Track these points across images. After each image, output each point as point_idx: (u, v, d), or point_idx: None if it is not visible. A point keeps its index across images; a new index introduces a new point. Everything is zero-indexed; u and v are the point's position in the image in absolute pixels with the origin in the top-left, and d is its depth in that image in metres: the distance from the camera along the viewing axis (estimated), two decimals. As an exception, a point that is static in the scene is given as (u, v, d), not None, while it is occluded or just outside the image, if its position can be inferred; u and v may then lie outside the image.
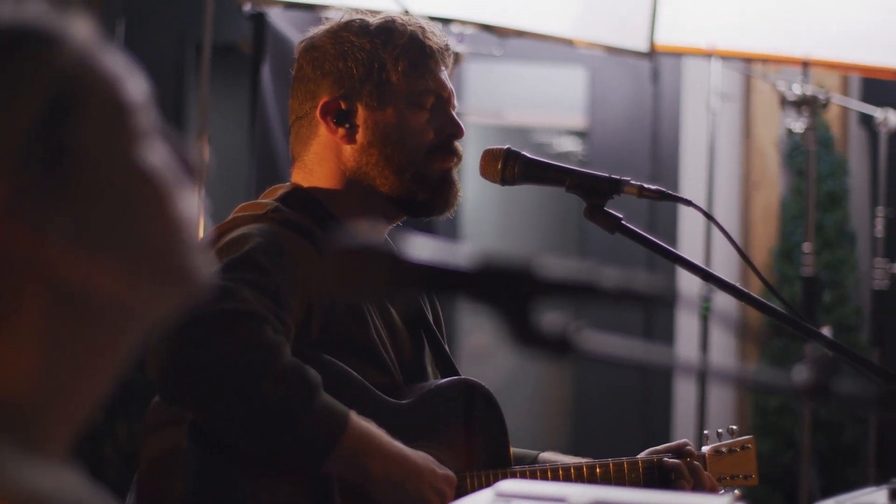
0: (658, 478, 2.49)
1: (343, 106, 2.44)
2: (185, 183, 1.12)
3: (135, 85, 1.11)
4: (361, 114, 2.43)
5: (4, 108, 1.03)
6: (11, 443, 1.02)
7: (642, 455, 2.53)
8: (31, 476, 0.99)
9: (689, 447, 2.56)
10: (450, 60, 2.51)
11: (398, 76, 2.43)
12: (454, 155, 2.46)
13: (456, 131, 2.47)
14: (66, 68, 1.06)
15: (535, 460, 2.56)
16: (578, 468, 2.44)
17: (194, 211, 1.13)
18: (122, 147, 1.08)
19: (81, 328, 1.06)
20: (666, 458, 2.51)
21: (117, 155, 1.07)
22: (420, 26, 2.48)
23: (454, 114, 2.48)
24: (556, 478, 2.42)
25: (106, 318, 1.07)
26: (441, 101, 2.47)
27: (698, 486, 2.51)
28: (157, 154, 1.10)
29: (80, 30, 1.09)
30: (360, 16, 2.48)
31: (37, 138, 1.03)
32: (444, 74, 2.49)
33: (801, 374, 1.09)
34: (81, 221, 1.04)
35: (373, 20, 2.47)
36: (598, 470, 2.44)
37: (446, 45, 2.51)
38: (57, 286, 1.04)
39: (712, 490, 2.53)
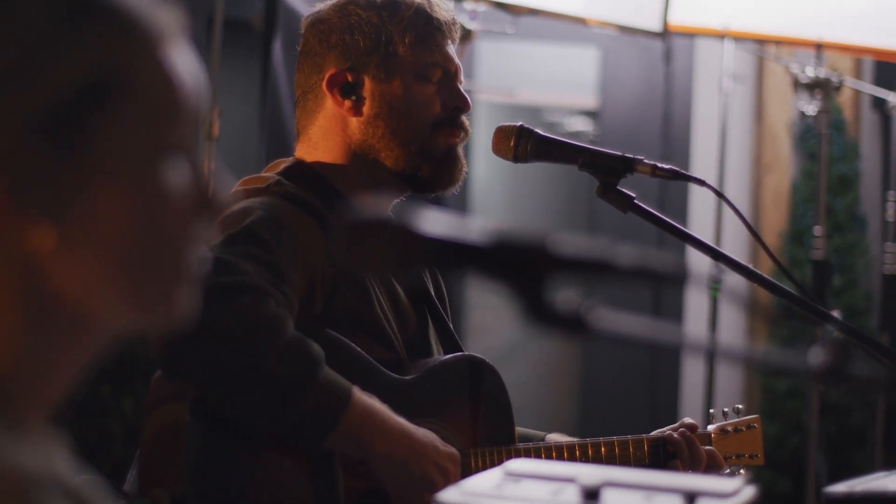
0: (663, 456, 2.48)
1: (350, 78, 2.43)
2: (202, 213, 1.08)
3: (194, 95, 1.07)
4: (368, 86, 2.42)
5: (42, 68, 1.00)
6: None
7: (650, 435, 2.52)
8: (14, 453, 0.98)
9: (688, 422, 2.55)
10: (457, 34, 2.50)
11: (405, 49, 2.42)
12: (460, 129, 2.46)
13: (462, 105, 2.46)
14: (123, 54, 1.02)
15: (541, 441, 2.55)
16: (583, 446, 2.43)
17: (200, 244, 1.08)
18: (146, 155, 1.04)
19: (49, 316, 1.03)
20: (671, 433, 2.50)
21: (137, 160, 1.03)
22: None
23: (461, 88, 2.47)
24: (560, 456, 2.41)
25: (68, 319, 1.03)
26: (448, 75, 2.46)
27: (694, 458, 2.50)
28: (181, 175, 1.06)
29: (162, 22, 1.06)
30: None
31: (62, 111, 1.00)
32: (452, 48, 2.48)
33: (816, 357, 1.07)
34: (71, 215, 1.01)
35: None
36: (602, 449, 2.43)
37: (453, 18, 2.50)
38: (27, 269, 1.01)
39: (712, 465, 2.52)
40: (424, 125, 2.42)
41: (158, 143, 1.04)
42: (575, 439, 2.49)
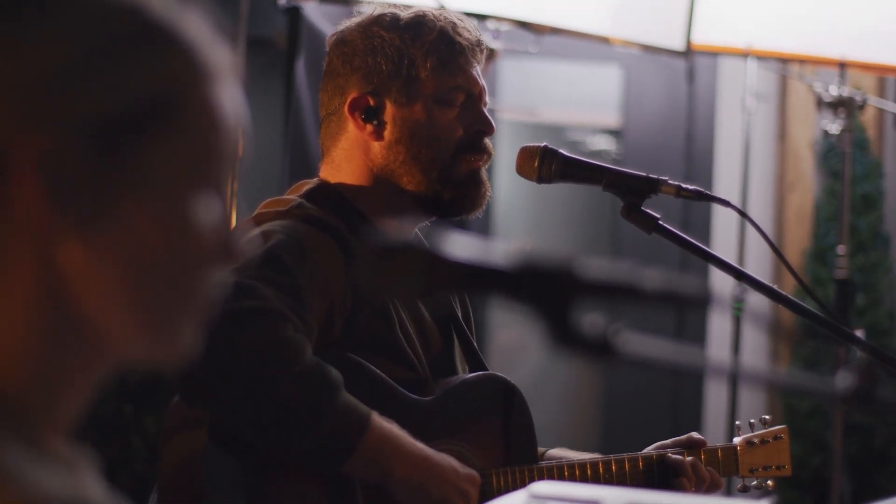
0: (658, 475, 2.48)
1: (371, 102, 2.41)
2: (222, 257, 1.08)
3: (234, 136, 1.08)
4: (390, 110, 2.41)
5: (103, 76, 1.00)
6: (18, 440, 0.99)
7: (647, 450, 2.52)
8: (40, 477, 0.97)
9: (696, 438, 2.55)
10: (482, 56, 2.48)
11: (427, 73, 2.40)
12: (483, 152, 2.44)
13: (486, 128, 2.44)
14: (181, 84, 1.04)
15: (542, 457, 2.54)
16: (607, 463, 2.43)
17: (214, 286, 1.08)
18: (184, 185, 1.04)
19: (65, 332, 1.02)
20: (669, 454, 2.50)
21: (175, 188, 1.04)
22: (451, 21, 2.44)
23: (485, 110, 2.45)
24: (583, 474, 2.41)
25: (83, 338, 1.03)
26: (472, 98, 2.44)
27: (698, 481, 2.49)
28: (212, 213, 1.06)
29: (218, 60, 1.07)
30: (391, 10, 2.46)
31: (113, 123, 1.00)
32: (477, 70, 2.46)
33: (844, 381, 1.07)
34: (102, 229, 1.01)
35: (404, 14, 2.44)
36: (626, 465, 2.43)
37: (478, 40, 2.47)
38: (51, 279, 1.00)
39: (713, 485, 2.51)
40: (446, 151, 2.40)
41: (196, 176, 1.05)
42: (575, 453, 2.49)
